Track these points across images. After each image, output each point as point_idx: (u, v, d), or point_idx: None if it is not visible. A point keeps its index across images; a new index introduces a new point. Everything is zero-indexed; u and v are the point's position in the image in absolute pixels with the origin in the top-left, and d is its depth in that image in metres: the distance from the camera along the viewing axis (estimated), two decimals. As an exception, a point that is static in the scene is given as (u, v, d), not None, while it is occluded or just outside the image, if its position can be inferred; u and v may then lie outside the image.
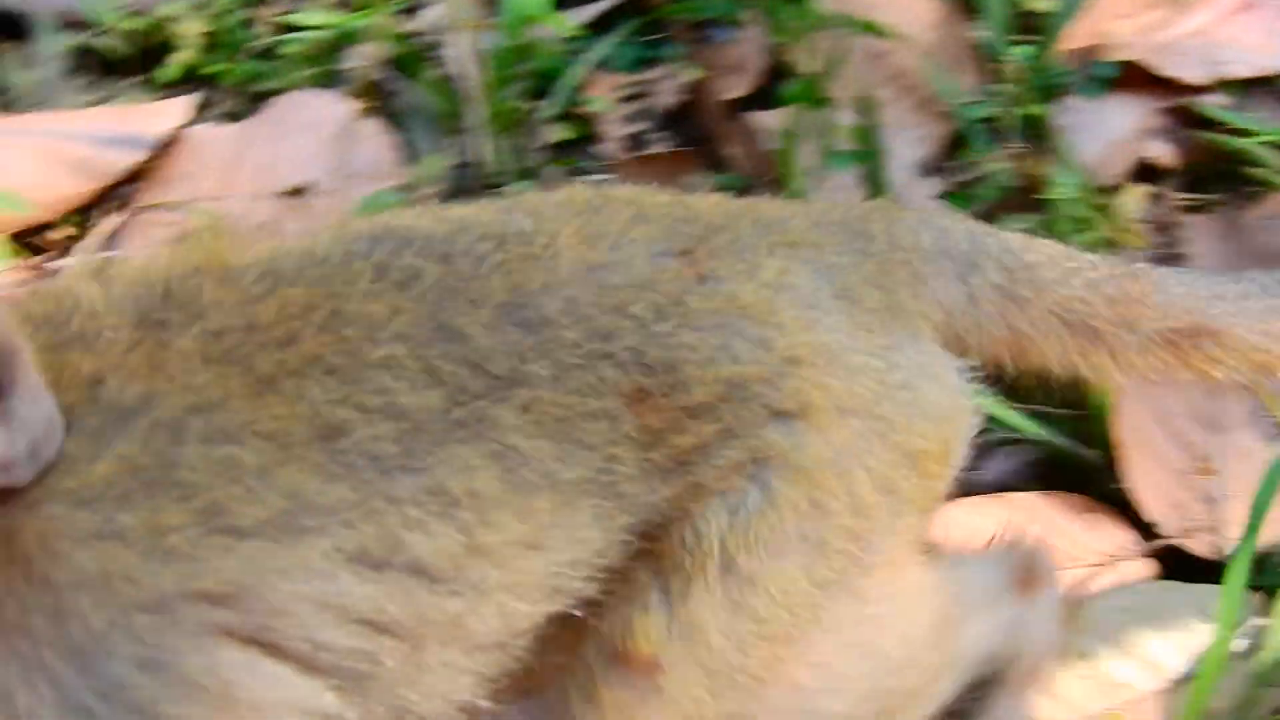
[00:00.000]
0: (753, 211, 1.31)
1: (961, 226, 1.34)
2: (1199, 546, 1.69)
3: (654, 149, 2.12)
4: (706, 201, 1.33)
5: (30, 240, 2.04)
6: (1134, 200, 2.01)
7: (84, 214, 2.06)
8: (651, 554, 1.21)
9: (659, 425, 1.20)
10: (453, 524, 1.17)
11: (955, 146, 2.08)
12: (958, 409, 1.29)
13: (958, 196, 2.01)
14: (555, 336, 1.20)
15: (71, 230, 2.06)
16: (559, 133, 2.15)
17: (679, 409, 1.20)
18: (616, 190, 1.30)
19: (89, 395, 1.13)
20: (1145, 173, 2.05)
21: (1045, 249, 1.35)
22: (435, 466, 1.17)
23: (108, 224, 2.04)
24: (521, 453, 1.18)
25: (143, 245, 1.99)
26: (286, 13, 2.27)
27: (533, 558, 1.19)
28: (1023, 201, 2.00)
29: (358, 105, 2.15)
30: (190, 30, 2.22)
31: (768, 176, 2.09)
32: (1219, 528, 1.71)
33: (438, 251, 1.22)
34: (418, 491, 1.16)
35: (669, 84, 2.17)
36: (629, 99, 2.16)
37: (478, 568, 1.18)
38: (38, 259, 2.01)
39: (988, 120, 2.07)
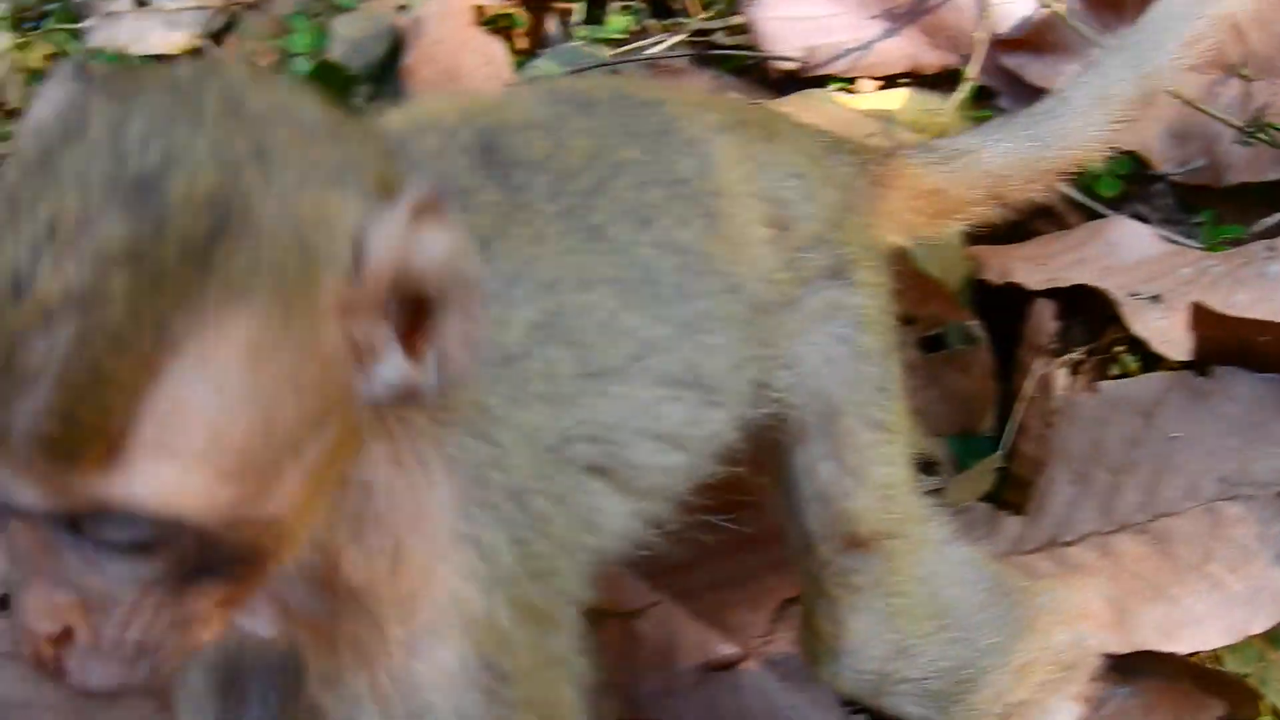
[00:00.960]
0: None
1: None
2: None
3: None
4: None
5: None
6: None
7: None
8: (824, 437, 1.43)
9: (786, 257, 1.41)
10: (717, 343, 1.35)
11: None
12: None
13: None
14: (724, 179, 1.39)
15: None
16: None
17: (798, 240, 1.42)
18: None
19: (482, 258, 1.20)
20: None
21: None
22: (701, 295, 1.34)
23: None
24: (738, 279, 1.36)
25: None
26: None
27: (749, 368, 1.39)
28: None
29: None
30: None
31: None
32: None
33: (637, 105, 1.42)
34: (697, 317, 1.33)
35: None
36: None
37: (731, 379, 1.36)
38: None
39: None
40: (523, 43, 2.32)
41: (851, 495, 1.44)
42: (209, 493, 0.94)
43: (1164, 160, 2.02)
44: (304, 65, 2.30)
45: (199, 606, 1.01)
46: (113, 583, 0.98)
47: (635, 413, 1.29)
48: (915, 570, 1.48)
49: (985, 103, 2.11)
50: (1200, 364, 1.76)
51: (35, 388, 0.90)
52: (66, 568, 0.98)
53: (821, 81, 2.18)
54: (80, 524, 0.96)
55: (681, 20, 2.31)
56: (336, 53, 2.29)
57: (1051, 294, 1.86)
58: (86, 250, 0.90)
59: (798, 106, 2.07)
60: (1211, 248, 1.93)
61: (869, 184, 1.56)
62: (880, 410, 1.45)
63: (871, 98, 2.14)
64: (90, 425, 0.91)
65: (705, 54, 2.25)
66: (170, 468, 0.93)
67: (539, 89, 1.46)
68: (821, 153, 1.53)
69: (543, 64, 2.25)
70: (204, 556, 0.98)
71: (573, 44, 2.29)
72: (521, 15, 2.34)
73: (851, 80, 2.18)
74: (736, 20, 2.27)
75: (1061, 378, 1.83)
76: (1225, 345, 1.74)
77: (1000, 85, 2.12)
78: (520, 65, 2.26)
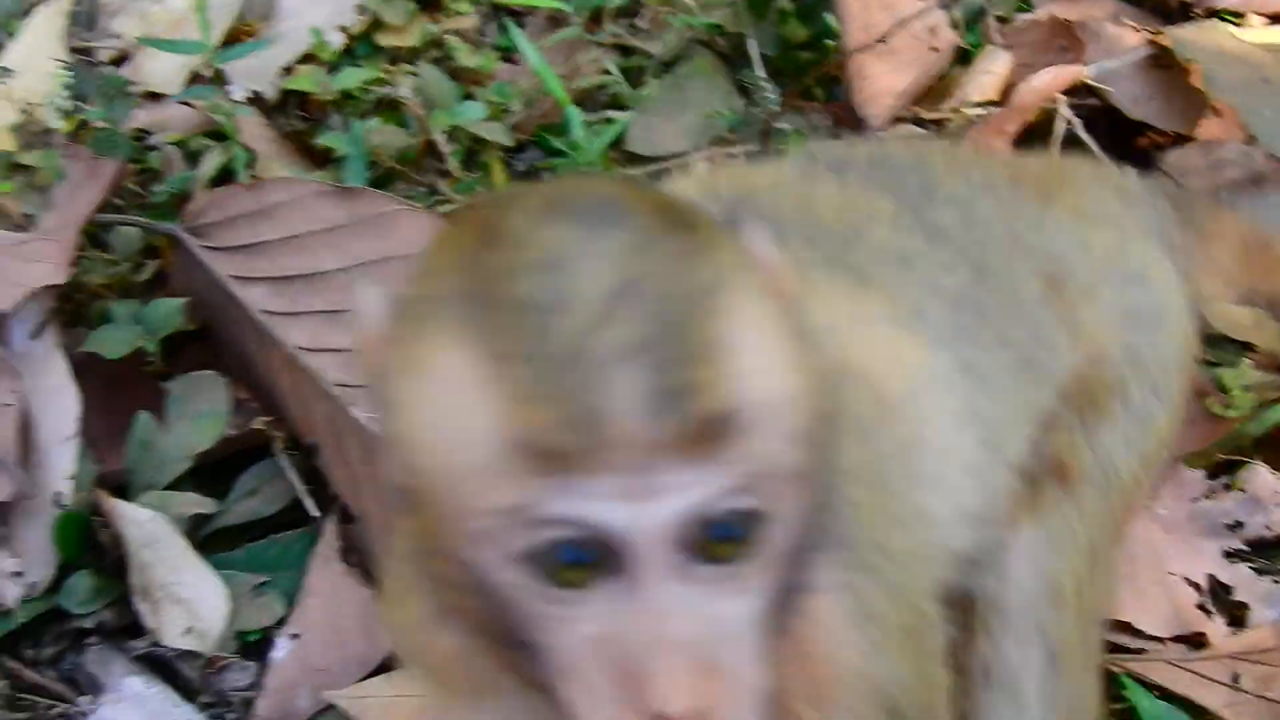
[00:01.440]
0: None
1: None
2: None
3: None
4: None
5: None
6: None
7: None
8: (1068, 398, 1.45)
9: (1062, 315, 1.43)
10: (992, 389, 1.38)
11: None
12: None
13: None
14: (989, 235, 1.43)
15: None
16: None
17: (1073, 298, 1.44)
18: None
19: None
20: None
21: None
22: (973, 342, 1.37)
23: None
24: (1009, 333, 1.40)
25: None
26: None
27: (1025, 422, 1.41)
28: None
29: None
30: None
31: None
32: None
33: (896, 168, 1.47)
34: (973, 360, 1.36)
35: None
36: None
37: (1007, 430, 1.39)
38: None
39: None
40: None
41: (1074, 432, 1.46)
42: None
43: None
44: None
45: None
46: (730, 626, 0.99)
47: (926, 434, 1.31)
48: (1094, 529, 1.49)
49: (1369, 45, 2.27)
50: None
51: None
52: (686, 626, 0.97)
53: (1213, 15, 2.38)
54: (698, 541, 0.97)
55: (1083, -53, 2.51)
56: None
57: None
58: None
59: (1192, 35, 2.28)
60: None
61: (1190, 231, 1.59)
62: (1138, 393, 1.47)
63: (1260, 33, 2.33)
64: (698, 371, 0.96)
65: (1105, -19, 2.45)
66: (765, 377, 1.00)
67: (792, 158, 1.51)
68: (1112, 206, 1.55)
69: (950, -21, 2.48)
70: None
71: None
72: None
73: (1241, 15, 2.37)
74: (1136, -49, 2.45)
75: None
76: None
77: (1387, 29, 2.30)
78: (931, -17, 2.48)
